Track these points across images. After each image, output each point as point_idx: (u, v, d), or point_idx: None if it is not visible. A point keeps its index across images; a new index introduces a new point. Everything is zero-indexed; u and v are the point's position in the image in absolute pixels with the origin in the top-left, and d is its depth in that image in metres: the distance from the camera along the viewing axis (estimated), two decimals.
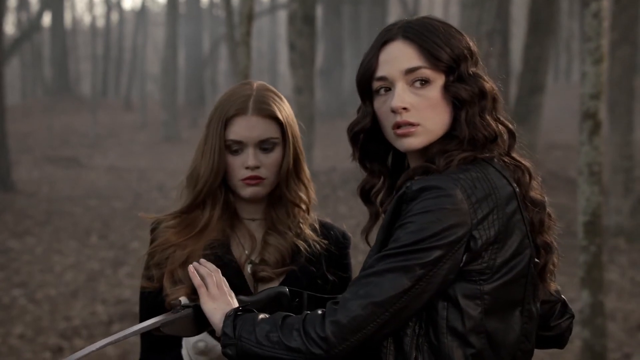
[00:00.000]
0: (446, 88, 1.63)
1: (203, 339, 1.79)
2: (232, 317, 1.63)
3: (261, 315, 1.63)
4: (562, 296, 1.84)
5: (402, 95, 1.63)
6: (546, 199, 1.70)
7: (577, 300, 5.22)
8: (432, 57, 1.63)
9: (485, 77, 1.68)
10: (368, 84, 1.69)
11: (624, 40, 9.46)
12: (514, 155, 1.68)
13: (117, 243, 9.95)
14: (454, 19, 26.38)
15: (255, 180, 1.89)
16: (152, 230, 1.97)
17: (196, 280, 1.73)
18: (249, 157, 1.88)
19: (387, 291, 1.54)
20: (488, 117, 1.64)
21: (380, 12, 21.79)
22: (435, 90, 1.64)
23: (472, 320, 1.59)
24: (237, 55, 6.15)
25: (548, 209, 1.71)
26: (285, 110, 1.92)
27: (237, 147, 1.90)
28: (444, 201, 1.54)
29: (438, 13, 31.38)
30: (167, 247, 1.90)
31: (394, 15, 26.64)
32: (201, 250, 1.89)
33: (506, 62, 10.36)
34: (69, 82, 27.16)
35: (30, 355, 6.37)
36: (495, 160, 1.65)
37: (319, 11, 19.71)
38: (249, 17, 5.69)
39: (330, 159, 14.75)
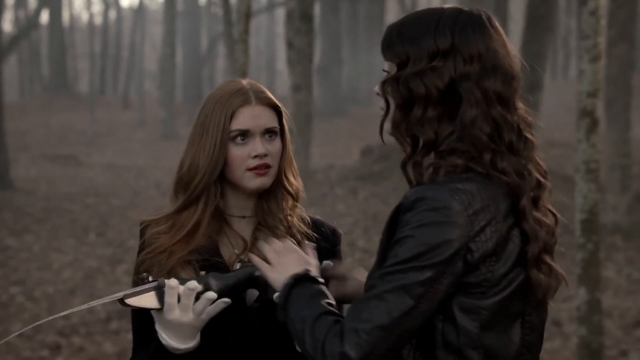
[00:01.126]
0: (380, 84, 1.66)
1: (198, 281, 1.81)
2: (290, 285, 1.66)
3: (311, 297, 1.64)
4: None
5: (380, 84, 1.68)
6: (550, 220, 1.64)
7: (575, 297, 5.24)
8: (384, 55, 1.66)
9: (447, 77, 1.59)
10: None
11: (621, 38, 9.48)
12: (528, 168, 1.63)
13: (115, 241, 9.96)
14: None
15: (264, 169, 1.92)
16: (142, 232, 1.98)
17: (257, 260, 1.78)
18: (257, 144, 1.91)
19: (391, 313, 1.51)
20: (415, 125, 1.61)
21: (378, 9, 21.79)
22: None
23: (468, 335, 1.57)
24: (235, 53, 6.16)
25: (557, 230, 1.66)
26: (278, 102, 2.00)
27: (243, 138, 1.92)
28: (440, 213, 1.52)
29: None
30: (157, 253, 1.92)
31: (392, 12, 26.65)
32: (188, 256, 1.91)
33: None
34: (67, 79, 27.16)
35: (28, 353, 6.38)
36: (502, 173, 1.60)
37: (317, 9, 19.71)
38: (247, 15, 5.69)
39: (328, 157, 14.76)
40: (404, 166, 1.65)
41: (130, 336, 6.67)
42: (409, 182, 1.63)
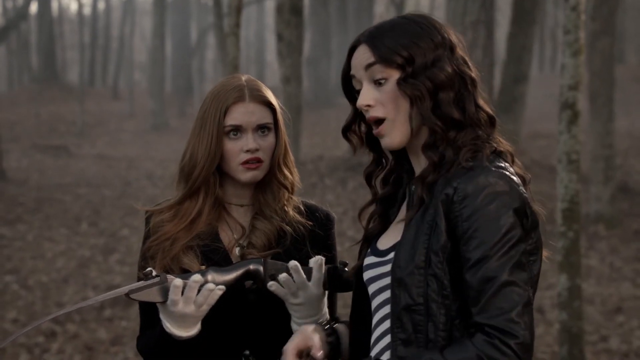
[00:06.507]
0: (397, 84, 1.72)
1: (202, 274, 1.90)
2: None
3: None
4: None
5: (365, 93, 1.74)
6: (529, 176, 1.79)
7: (557, 285, 5.40)
8: (382, 57, 1.72)
9: (449, 66, 1.72)
10: (348, 86, 1.82)
11: (605, 32, 9.63)
12: (497, 141, 1.75)
13: (107, 230, 10.06)
14: (440, 10, 26.47)
15: (255, 164, 2.03)
16: (147, 221, 2.10)
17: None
18: (249, 140, 2.03)
19: (525, 290, 1.62)
20: (447, 108, 1.71)
21: (367, 1, 21.87)
22: (391, 84, 1.73)
23: None
24: (226, 46, 6.27)
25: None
26: (274, 98, 2.09)
27: (236, 133, 2.03)
28: (501, 192, 1.63)
29: (425, 3, 31.46)
30: (162, 240, 2.04)
31: (381, 4, 26.71)
32: (190, 242, 2.03)
33: (491, 52, 10.52)
34: (56, 70, 27.10)
35: (24, 339, 6.50)
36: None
37: (306, 1, 19.79)
38: (238, 8, 5.78)
39: (318, 148, 14.88)
40: (429, 148, 1.72)
41: (123, 323, 6.84)
42: (433, 164, 1.70)
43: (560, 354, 5.09)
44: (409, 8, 23.88)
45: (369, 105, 1.74)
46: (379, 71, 1.73)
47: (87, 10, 36.82)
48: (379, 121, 1.75)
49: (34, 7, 27.91)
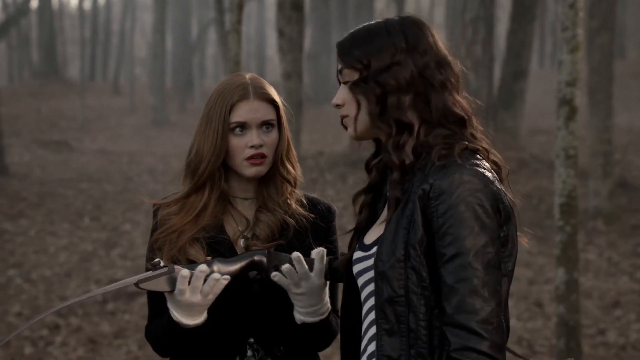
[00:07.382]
0: (349, 88, 1.84)
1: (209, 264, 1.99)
2: None
3: None
4: None
5: (338, 94, 1.88)
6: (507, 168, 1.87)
7: (554, 278, 5.47)
8: (346, 62, 1.85)
9: (407, 71, 1.79)
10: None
11: (603, 28, 9.68)
12: (472, 138, 1.82)
13: (109, 225, 10.13)
14: (440, 7, 26.48)
15: (260, 159, 2.11)
16: (154, 214, 2.17)
17: None
18: (254, 136, 2.10)
19: (497, 289, 1.69)
20: (395, 112, 1.79)
21: None
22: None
23: (504, 296, 1.74)
24: (227, 43, 6.33)
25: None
26: (277, 95, 2.16)
27: (241, 129, 2.11)
28: (477, 187, 1.70)
29: (425, 0, 31.47)
30: (169, 232, 2.11)
31: (381, 0, 26.75)
32: (196, 234, 2.10)
33: (490, 48, 10.59)
34: (57, 65, 27.15)
35: (28, 332, 6.58)
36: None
37: None
38: (240, 5, 5.84)
39: (318, 143, 14.94)
40: (385, 149, 1.83)
41: (126, 316, 6.91)
42: (393, 164, 1.79)
43: (558, 347, 5.16)
44: (409, 4, 23.92)
45: (338, 105, 1.88)
46: (347, 74, 1.85)
47: (87, 5, 36.84)
48: (344, 116, 1.89)
49: (34, 3, 27.95)
